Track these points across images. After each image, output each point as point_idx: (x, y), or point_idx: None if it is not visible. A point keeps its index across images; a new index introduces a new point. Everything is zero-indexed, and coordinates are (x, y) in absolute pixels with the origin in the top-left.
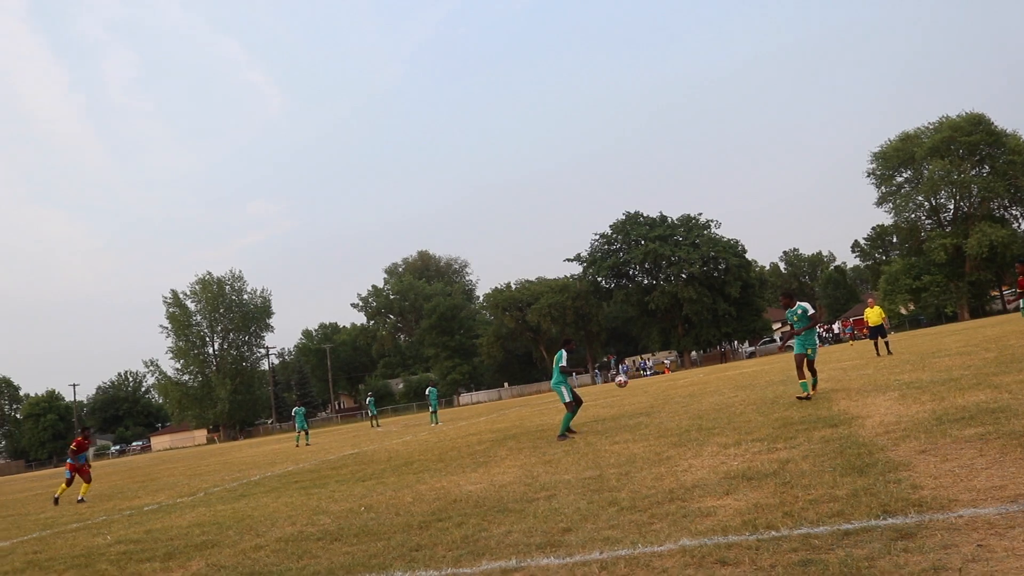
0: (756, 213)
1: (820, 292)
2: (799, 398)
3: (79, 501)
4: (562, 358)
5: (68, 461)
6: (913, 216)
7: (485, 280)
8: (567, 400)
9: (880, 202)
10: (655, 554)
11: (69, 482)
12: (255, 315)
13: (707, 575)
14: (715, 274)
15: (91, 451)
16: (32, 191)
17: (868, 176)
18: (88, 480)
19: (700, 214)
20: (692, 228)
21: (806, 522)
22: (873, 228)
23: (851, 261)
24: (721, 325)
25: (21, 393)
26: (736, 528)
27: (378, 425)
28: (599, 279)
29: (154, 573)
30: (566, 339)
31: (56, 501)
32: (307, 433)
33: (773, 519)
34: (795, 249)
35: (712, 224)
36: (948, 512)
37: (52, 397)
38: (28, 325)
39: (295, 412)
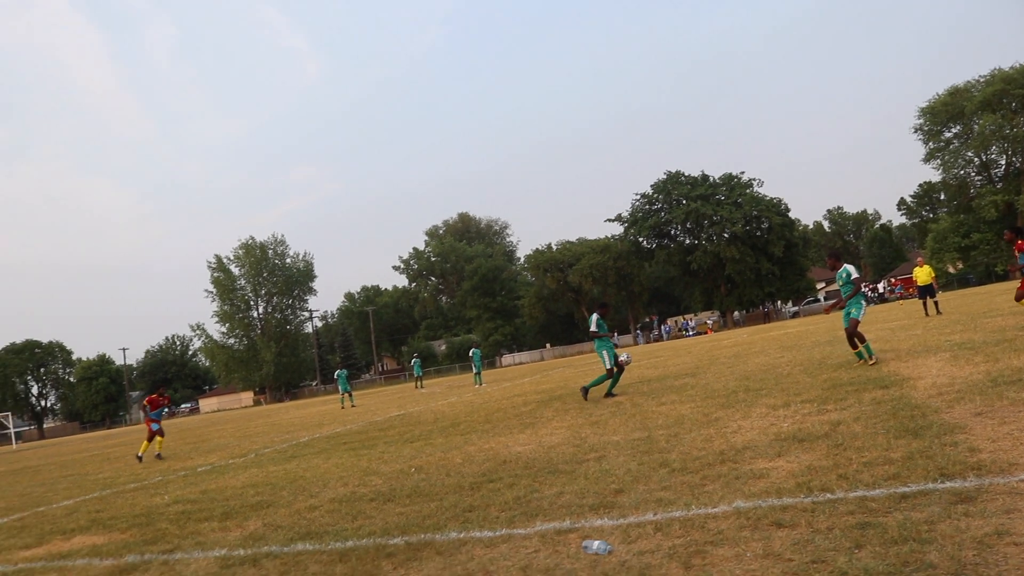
0: (799, 171)
1: (865, 251)
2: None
3: (157, 457)
4: (592, 322)
5: (147, 418)
6: (962, 172)
7: (526, 242)
8: (608, 367)
9: (928, 158)
10: (710, 516)
11: (150, 438)
12: (298, 279)
13: (763, 537)
14: (758, 233)
15: (165, 410)
16: (80, 161)
17: (915, 132)
18: (161, 435)
19: (742, 173)
20: (734, 187)
21: (861, 485)
22: (920, 185)
23: (897, 219)
24: (764, 285)
25: (74, 357)
26: (790, 490)
27: (422, 387)
28: (640, 239)
29: (213, 532)
30: (601, 302)
31: (140, 459)
32: (351, 395)
33: (827, 482)
34: (839, 207)
35: (754, 183)
36: (1009, 476)
37: (103, 361)
38: (80, 292)
39: (338, 375)
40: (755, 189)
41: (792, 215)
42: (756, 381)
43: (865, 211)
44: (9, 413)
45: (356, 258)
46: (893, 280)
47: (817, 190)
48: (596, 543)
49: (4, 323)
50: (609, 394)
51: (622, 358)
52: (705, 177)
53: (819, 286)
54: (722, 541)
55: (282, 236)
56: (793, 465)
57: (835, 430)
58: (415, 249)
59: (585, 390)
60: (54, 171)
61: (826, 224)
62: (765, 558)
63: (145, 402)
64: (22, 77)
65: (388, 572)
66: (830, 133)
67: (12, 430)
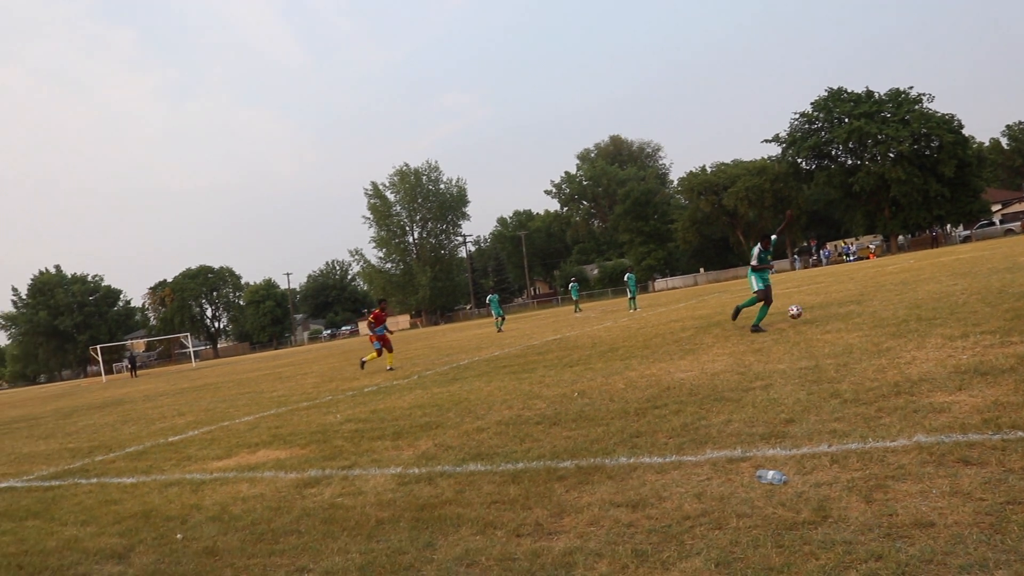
0: (976, 83)
1: None
2: None
3: (388, 370)
4: (754, 255)
5: (371, 333)
6: None
7: (679, 164)
8: (756, 288)
9: None
10: (888, 449)
11: (379, 352)
12: (451, 204)
13: (949, 474)
14: (927, 152)
15: (387, 322)
16: (241, 95)
17: None
18: (390, 349)
19: (911, 88)
20: (902, 103)
21: None
22: None
23: None
24: (932, 207)
25: (242, 282)
26: (976, 426)
27: (579, 310)
28: (799, 160)
29: (386, 451)
30: (764, 234)
31: (362, 365)
32: (502, 319)
33: (1018, 419)
34: (1020, 123)
35: (924, 98)
36: None
37: (269, 285)
38: (246, 220)
39: (489, 299)
40: (925, 105)
41: (966, 132)
42: (928, 310)
43: None
44: (188, 333)
45: (508, 183)
46: None
47: (995, 104)
48: (771, 473)
49: (181, 249)
50: (756, 328)
51: (792, 311)
52: (870, 93)
53: (994, 208)
54: (904, 476)
55: (435, 162)
56: (977, 400)
57: (1022, 364)
58: (567, 173)
59: (737, 310)
60: (218, 105)
61: (1004, 141)
62: (953, 496)
63: (371, 318)
64: (186, 18)
65: (561, 494)
66: (1013, 39)
67: (191, 349)
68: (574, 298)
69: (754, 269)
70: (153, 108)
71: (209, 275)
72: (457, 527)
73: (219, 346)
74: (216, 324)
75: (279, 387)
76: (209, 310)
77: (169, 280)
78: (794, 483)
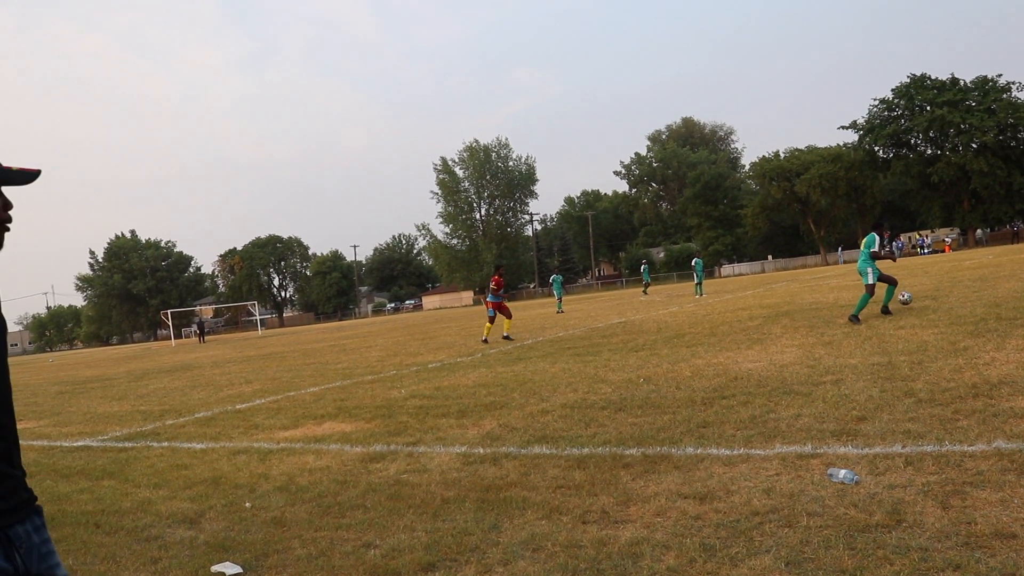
0: None
1: None
2: None
3: (505, 338)
4: (874, 242)
5: (489, 299)
6: None
7: (751, 148)
8: (869, 283)
9: None
10: (966, 454)
11: (492, 319)
12: (519, 182)
13: None
14: (1012, 143)
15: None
16: (316, 67)
17: None
18: (509, 316)
19: (1000, 75)
20: (988, 92)
21: None
22: None
23: None
24: (1016, 202)
25: (310, 252)
26: None
27: (646, 292)
28: (876, 148)
29: (451, 428)
30: (877, 222)
31: (485, 341)
32: (560, 301)
33: None
34: None
35: (1013, 87)
36: None
37: (336, 257)
38: (315, 191)
39: (552, 280)
40: (1014, 93)
41: None
42: (1009, 309)
43: None
44: (255, 302)
45: (577, 162)
46: None
47: None
48: (842, 472)
49: (251, 218)
50: (853, 317)
51: (902, 297)
52: (955, 81)
53: None
54: (983, 483)
55: (505, 139)
56: None
57: None
58: (636, 154)
59: (854, 319)
60: (292, 77)
61: None
62: None
63: (492, 284)
64: None
65: (627, 482)
66: None
67: (258, 317)
68: (645, 280)
69: (873, 257)
70: (230, 78)
71: (278, 244)
72: (523, 510)
73: (284, 315)
74: (283, 293)
75: (343, 359)
76: (276, 279)
77: (239, 248)
78: (866, 483)
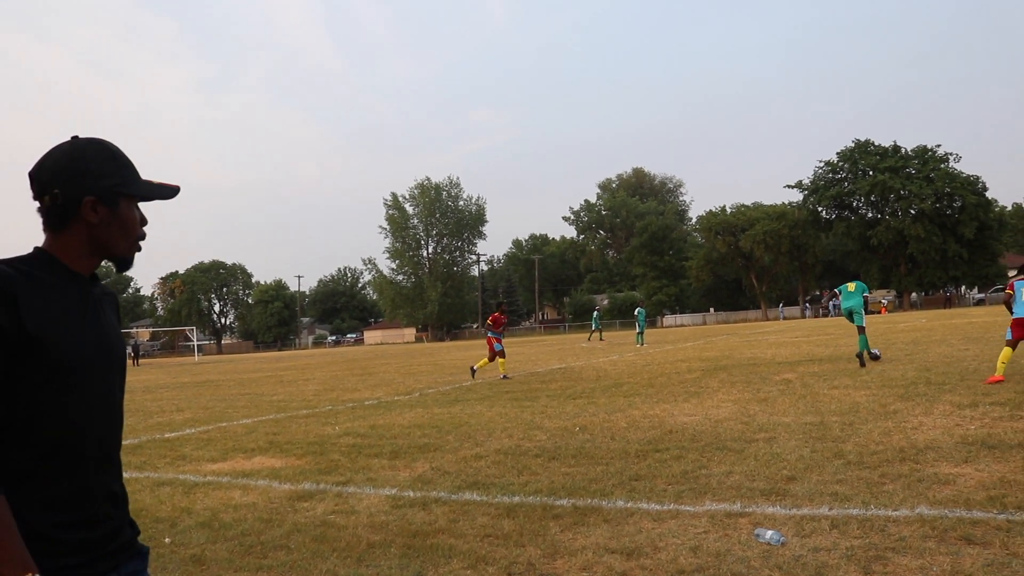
0: (1004, 147)
1: None
2: None
3: (503, 378)
4: (866, 288)
5: (491, 336)
6: None
7: (699, 202)
8: (863, 324)
9: None
10: (890, 519)
11: (492, 357)
12: (469, 222)
13: (951, 552)
14: (948, 212)
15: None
16: (274, 95)
17: None
18: (503, 356)
19: (938, 146)
20: (927, 160)
21: None
22: None
23: None
24: (949, 268)
25: (253, 280)
26: (981, 503)
27: (590, 340)
28: (819, 208)
29: (383, 469)
30: (855, 274)
31: (473, 373)
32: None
33: None
34: None
35: (951, 157)
36: None
37: (279, 286)
38: (264, 219)
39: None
40: (951, 164)
41: (989, 195)
42: (938, 374)
43: None
44: (194, 327)
45: (527, 205)
46: None
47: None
48: (769, 532)
49: (196, 242)
50: (861, 355)
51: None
52: (897, 148)
53: (1010, 274)
54: (905, 549)
55: (457, 178)
56: (983, 475)
57: None
58: (586, 201)
59: (865, 354)
60: (249, 104)
61: None
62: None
63: (490, 320)
64: (228, 14)
65: (556, 534)
66: None
67: (195, 343)
68: (595, 327)
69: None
70: (185, 102)
71: (221, 270)
72: (448, 559)
73: (223, 342)
74: (223, 320)
75: (280, 391)
76: (217, 305)
77: (181, 272)
78: (792, 545)
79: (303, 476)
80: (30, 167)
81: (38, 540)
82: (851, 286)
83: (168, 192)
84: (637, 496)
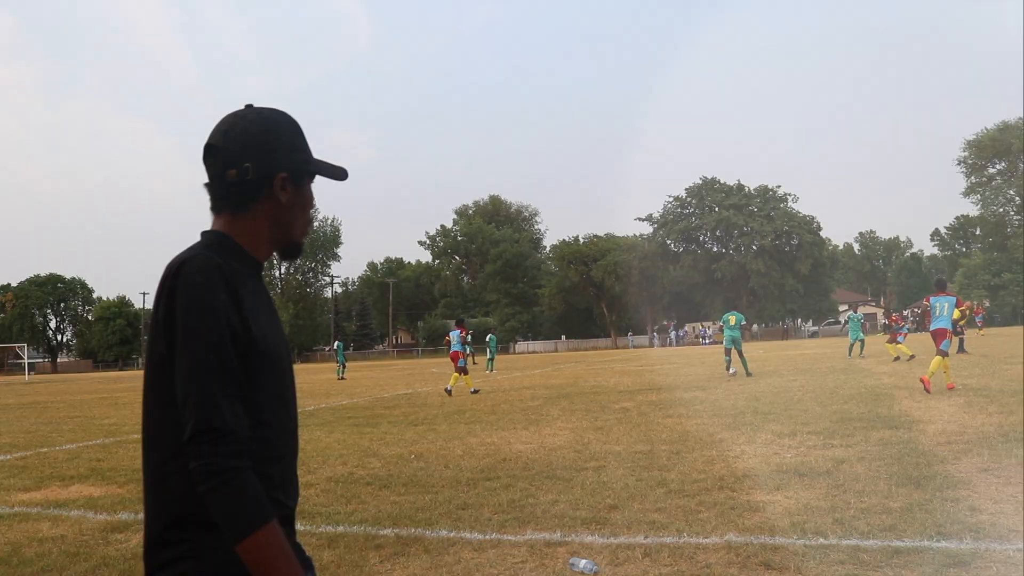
0: (835, 189)
1: (893, 279)
2: None
3: (473, 392)
4: (743, 318)
5: (457, 350)
6: (1001, 210)
7: (554, 231)
8: (740, 348)
9: (968, 192)
10: (699, 546)
11: (461, 372)
12: (323, 243)
13: None
14: (786, 249)
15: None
16: (123, 102)
17: (959, 164)
18: (466, 372)
19: (779, 186)
20: (768, 200)
21: (856, 533)
22: (957, 218)
23: (929, 249)
24: (787, 301)
25: (94, 296)
26: (784, 529)
27: (474, 362)
28: (668, 241)
29: None
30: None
31: (449, 392)
32: (343, 367)
33: (823, 525)
34: (872, 231)
35: (789, 198)
36: (1006, 543)
37: (123, 303)
38: (106, 230)
39: (336, 346)
40: (789, 204)
41: (823, 234)
42: (766, 404)
43: (897, 238)
44: (26, 345)
45: (382, 228)
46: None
47: (851, 210)
48: (583, 561)
49: (29, 255)
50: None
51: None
52: (741, 186)
53: (841, 308)
54: None
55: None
56: (791, 502)
57: (837, 468)
58: (442, 226)
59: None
60: (97, 109)
61: (856, 247)
62: None
63: (463, 335)
64: (76, 10)
65: (374, 565)
66: (872, 155)
67: (26, 361)
68: (492, 355)
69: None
70: (25, 102)
71: (59, 284)
72: None
73: (59, 361)
74: (59, 337)
75: (113, 414)
76: (54, 321)
77: (13, 285)
78: (604, 574)
79: (121, 506)
80: None
81: None
82: (731, 319)
83: (341, 173)
84: (461, 525)
